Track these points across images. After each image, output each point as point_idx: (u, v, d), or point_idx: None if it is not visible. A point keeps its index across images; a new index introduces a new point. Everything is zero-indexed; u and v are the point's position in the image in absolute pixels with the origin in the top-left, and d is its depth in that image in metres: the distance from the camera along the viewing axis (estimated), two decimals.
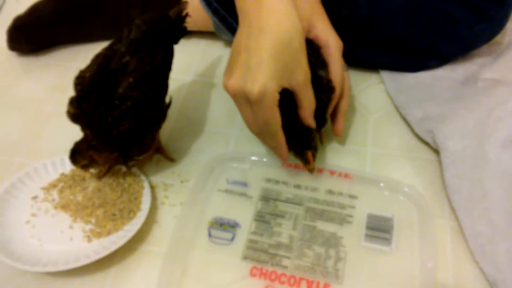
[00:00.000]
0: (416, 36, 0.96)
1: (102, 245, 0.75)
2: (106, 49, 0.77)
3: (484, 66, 1.00)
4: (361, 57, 1.01)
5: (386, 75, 1.01)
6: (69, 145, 0.77)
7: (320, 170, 0.84)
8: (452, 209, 0.79)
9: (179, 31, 0.84)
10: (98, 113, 0.71)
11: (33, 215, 0.79)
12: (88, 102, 0.71)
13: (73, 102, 0.73)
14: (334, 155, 0.89)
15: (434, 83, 0.98)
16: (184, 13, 0.84)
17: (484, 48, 1.01)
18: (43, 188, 0.83)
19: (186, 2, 0.85)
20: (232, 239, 0.77)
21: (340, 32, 0.95)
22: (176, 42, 0.83)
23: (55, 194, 0.82)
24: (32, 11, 1.07)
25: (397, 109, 0.96)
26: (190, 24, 1.08)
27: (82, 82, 0.73)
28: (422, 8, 0.93)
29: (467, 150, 0.83)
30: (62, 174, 0.85)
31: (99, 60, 0.74)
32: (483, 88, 0.93)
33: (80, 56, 1.10)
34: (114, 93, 0.72)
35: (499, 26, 0.97)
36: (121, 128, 0.72)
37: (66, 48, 1.12)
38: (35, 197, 0.82)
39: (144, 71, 0.74)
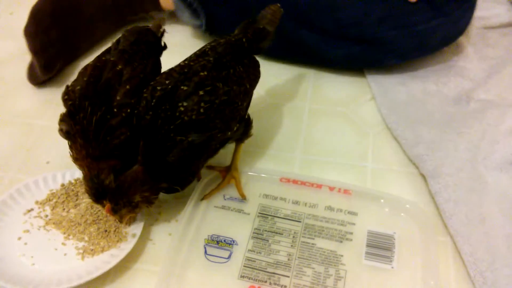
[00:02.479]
0: (371, 27, 0.95)
1: (95, 264, 0.72)
2: (95, 61, 0.76)
3: (475, 81, 0.98)
4: (318, 47, 1.00)
5: (377, 89, 1.00)
6: (62, 160, 0.74)
7: (319, 186, 0.82)
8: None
9: (161, 45, 0.84)
10: (96, 118, 0.69)
11: (26, 231, 0.77)
12: (83, 111, 0.69)
13: (64, 119, 0.72)
14: (333, 170, 0.88)
15: (425, 98, 0.96)
16: (162, 28, 0.84)
17: (474, 61, 1.00)
18: (36, 203, 0.80)
19: (163, 18, 0.86)
20: (229, 257, 0.74)
21: (298, 21, 0.96)
22: (160, 54, 0.83)
23: (48, 210, 0.80)
24: (34, 13, 1.04)
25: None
26: None
27: (73, 96, 0.71)
28: None
29: (460, 173, 0.81)
30: (55, 190, 0.82)
31: (89, 72, 0.73)
32: (474, 111, 0.91)
33: (76, 71, 1.08)
34: (109, 102, 0.70)
35: (456, 26, 0.97)
36: (122, 137, 0.70)
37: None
38: (27, 213, 0.79)
39: (139, 79, 0.73)
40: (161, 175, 0.70)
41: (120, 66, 0.74)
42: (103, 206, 0.73)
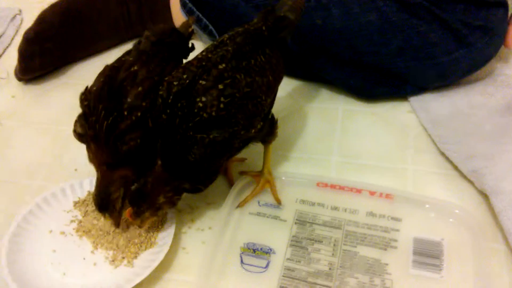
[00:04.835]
0: (390, 57, 0.90)
1: (124, 277, 0.69)
2: (115, 62, 0.74)
3: None
4: (335, 77, 0.96)
5: (416, 104, 0.94)
6: (90, 167, 0.72)
7: (359, 190, 0.78)
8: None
9: (187, 46, 0.80)
10: (107, 123, 0.66)
11: (62, 233, 0.76)
12: (96, 115, 0.67)
13: (79, 119, 0.71)
14: (371, 173, 0.83)
15: (472, 112, 0.90)
16: (190, 29, 0.80)
17: None
18: (68, 211, 0.78)
19: (193, 17, 0.83)
20: (267, 266, 0.71)
21: (314, 46, 0.91)
22: (186, 56, 0.79)
23: (79, 216, 0.78)
24: (40, 20, 1.04)
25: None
26: None
27: (89, 97, 0.69)
28: (395, 27, 0.88)
29: None
30: (85, 197, 0.80)
31: (106, 72, 0.71)
32: None
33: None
34: (121, 105, 0.67)
35: (481, 55, 0.91)
36: (132, 143, 0.67)
37: (82, 67, 1.09)
38: (60, 219, 0.78)
39: (153, 81, 0.69)
40: (182, 175, 0.67)
41: (136, 67, 0.70)
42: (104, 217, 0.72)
